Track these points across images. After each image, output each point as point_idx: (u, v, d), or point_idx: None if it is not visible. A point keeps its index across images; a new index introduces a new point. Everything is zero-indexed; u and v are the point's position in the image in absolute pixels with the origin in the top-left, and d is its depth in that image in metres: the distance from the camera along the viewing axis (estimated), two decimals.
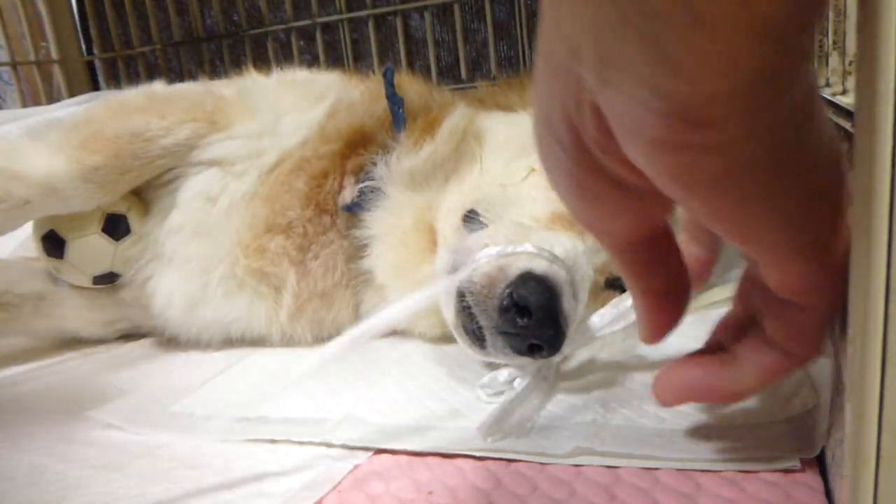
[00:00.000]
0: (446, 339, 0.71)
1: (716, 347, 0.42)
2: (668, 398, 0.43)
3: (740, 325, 0.41)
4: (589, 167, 0.34)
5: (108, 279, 0.82)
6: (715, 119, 0.28)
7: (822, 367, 0.46)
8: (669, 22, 0.26)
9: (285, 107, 0.84)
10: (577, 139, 0.33)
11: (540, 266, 0.57)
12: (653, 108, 0.28)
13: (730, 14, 0.25)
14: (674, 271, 0.41)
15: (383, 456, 0.50)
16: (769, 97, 0.28)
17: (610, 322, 0.58)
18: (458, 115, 0.77)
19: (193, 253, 0.79)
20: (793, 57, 0.27)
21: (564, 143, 0.34)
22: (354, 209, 0.76)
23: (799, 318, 0.37)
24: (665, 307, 0.41)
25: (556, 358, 0.57)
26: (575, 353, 0.60)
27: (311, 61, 1.55)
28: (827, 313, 0.37)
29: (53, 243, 0.79)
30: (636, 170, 0.31)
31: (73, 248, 0.79)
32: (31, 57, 1.72)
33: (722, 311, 0.45)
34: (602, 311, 0.59)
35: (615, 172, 0.33)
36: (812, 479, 0.41)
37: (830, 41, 0.55)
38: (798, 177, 0.31)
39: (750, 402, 0.50)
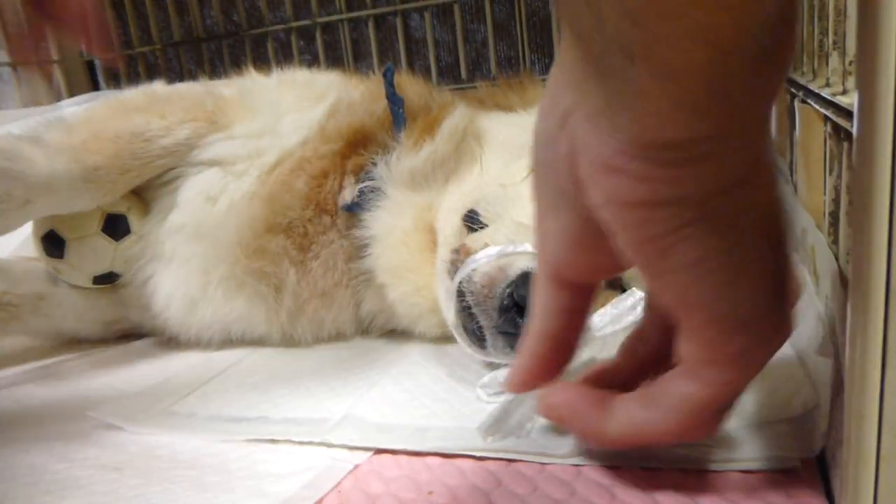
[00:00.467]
0: (446, 339, 0.71)
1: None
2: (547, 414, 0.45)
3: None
4: (558, 195, 0.36)
5: (108, 279, 0.82)
6: (670, 160, 0.29)
7: (822, 367, 0.46)
8: (618, 80, 0.28)
9: (285, 107, 0.84)
10: (556, 168, 0.35)
11: None
12: (617, 141, 0.30)
13: (661, 79, 0.27)
14: (576, 332, 0.43)
15: (383, 456, 0.50)
16: (716, 159, 0.29)
17: (610, 322, 0.58)
18: (458, 116, 0.77)
19: (193, 253, 0.79)
20: (735, 127, 0.29)
21: (548, 167, 0.36)
22: (354, 209, 0.76)
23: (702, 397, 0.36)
24: (551, 359, 0.43)
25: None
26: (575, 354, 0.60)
27: (311, 61, 1.55)
28: (731, 394, 0.36)
29: (53, 243, 0.79)
30: (585, 198, 0.33)
31: (73, 248, 0.79)
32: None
33: None
34: (602, 310, 0.59)
35: (574, 198, 0.35)
36: (812, 479, 0.41)
37: (830, 41, 0.55)
38: (735, 246, 0.32)
39: (750, 403, 0.50)
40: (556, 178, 0.35)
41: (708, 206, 0.30)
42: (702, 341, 0.34)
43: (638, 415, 0.38)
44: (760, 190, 0.32)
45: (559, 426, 0.50)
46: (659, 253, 0.32)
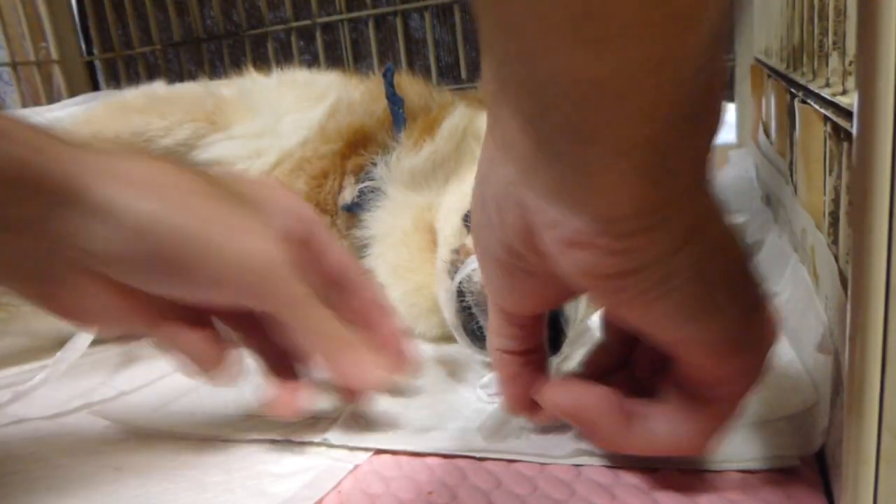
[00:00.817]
0: (446, 339, 0.71)
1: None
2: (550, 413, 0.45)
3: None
4: (510, 254, 0.37)
5: None
6: (628, 230, 0.31)
7: (822, 366, 0.46)
8: (571, 162, 0.29)
9: (285, 107, 0.84)
10: (503, 231, 0.36)
11: None
12: (576, 219, 0.31)
13: (615, 156, 0.28)
14: (538, 342, 0.45)
15: (383, 456, 0.50)
16: (669, 225, 0.31)
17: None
18: (458, 116, 0.77)
19: None
20: (680, 191, 0.30)
21: (494, 226, 0.37)
22: (354, 209, 0.76)
23: (700, 413, 0.38)
24: (526, 375, 0.44)
25: (557, 358, 0.57)
26: (574, 353, 0.60)
27: (311, 61, 1.55)
28: (730, 409, 0.39)
29: None
30: (549, 264, 0.34)
31: None
32: (31, 57, 1.72)
33: None
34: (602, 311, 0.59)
35: (531, 262, 0.36)
36: (812, 478, 0.41)
37: (830, 41, 0.55)
38: (712, 285, 0.33)
39: (749, 402, 0.50)
40: (504, 242, 0.37)
41: (674, 262, 0.32)
42: (705, 368, 0.36)
43: (661, 430, 0.40)
44: (713, 224, 0.34)
45: (559, 425, 0.51)
46: (640, 309, 0.34)
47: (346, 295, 0.52)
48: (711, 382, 0.37)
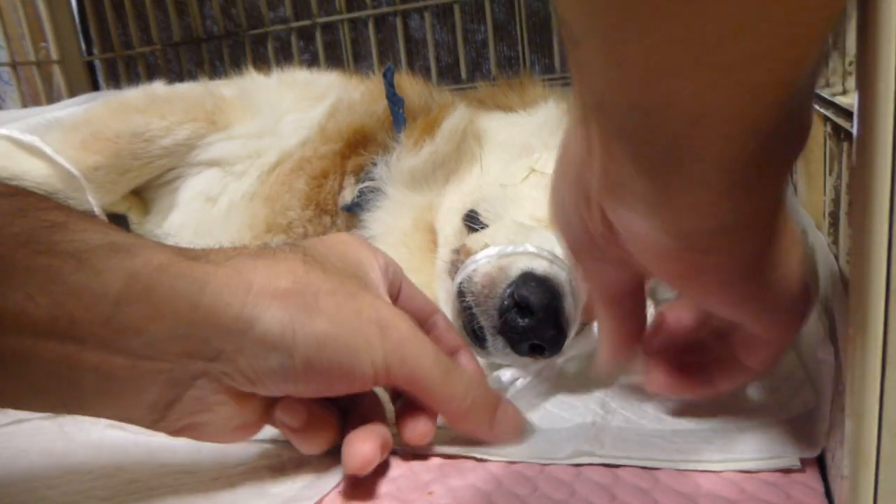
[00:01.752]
0: (453, 328, 0.71)
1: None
2: (659, 391, 0.49)
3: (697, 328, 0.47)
4: (590, 249, 0.39)
5: None
6: (710, 246, 0.32)
7: (822, 367, 0.46)
8: (670, 175, 0.29)
9: (285, 107, 0.84)
10: (586, 225, 0.37)
11: (541, 266, 0.57)
12: (660, 230, 0.32)
13: (718, 171, 0.29)
14: (640, 314, 0.47)
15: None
16: (747, 233, 0.33)
17: None
18: (458, 116, 0.77)
19: None
20: (767, 203, 0.32)
21: (574, 226, 0.38)
22: (354, 209, 0.76)
23: (767, 347, 0.43)
24: (626, 334, 0.47)
25: (559, 360, 0.57)
26: (577, 355, 0.60)
27: (311, 61, 1.55)
28: (782, 347, 0.43)
29: None
30: (631, 256, 0.36)
31: None
32: (31, 57, 1.72)
33: None
34: None
35: (612, 255, 0.38)
36: (812, 479, 0.41)
37: (830, 41, 0.55)
38: (773, 271, 0.36)
39: (750, 403, 0.50)
40: (589, 242, 0.38)
41: (749, 266, 0.34)
42: (765, 332, 0.41)
43: (736, 375, 0.46)
44: (786, 229, 0.36)
45: (560, 430, 0.51)
46: (712, 297, 0.37)
47: (427, 331, 0.54)
48: (761, 341, 0.42)
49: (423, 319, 0.55)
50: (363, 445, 0.45)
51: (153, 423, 0.44)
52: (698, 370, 0.47)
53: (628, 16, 0.24)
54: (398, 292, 0.54)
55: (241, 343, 0.42)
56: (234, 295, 0.42)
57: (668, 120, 0.27)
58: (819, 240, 0.54)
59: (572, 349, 0.59)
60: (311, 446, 0.48)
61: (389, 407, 0.52)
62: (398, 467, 0.48)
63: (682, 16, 0.23)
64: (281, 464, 0.50)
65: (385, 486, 0.46)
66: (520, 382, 0.57)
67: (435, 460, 0.48)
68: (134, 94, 0.89)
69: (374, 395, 0.52)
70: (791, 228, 0.37)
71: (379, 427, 0.48)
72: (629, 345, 0.47)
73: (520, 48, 1.43)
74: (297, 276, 0.45)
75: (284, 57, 1.56)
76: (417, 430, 0.48)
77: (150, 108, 0.82)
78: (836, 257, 0.49)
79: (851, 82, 0.48)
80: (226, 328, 0.41)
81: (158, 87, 0.93)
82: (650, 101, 0.27)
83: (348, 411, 0.49)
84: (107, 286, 0.39)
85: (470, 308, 0.59)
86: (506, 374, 0.58)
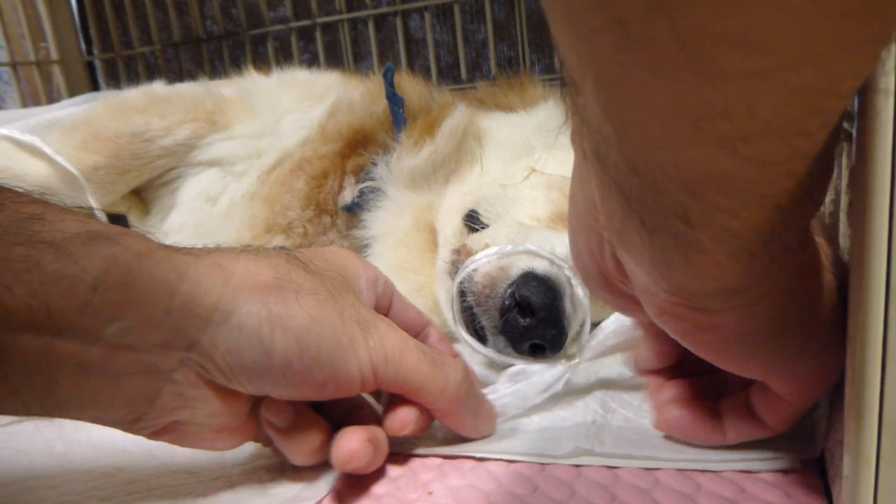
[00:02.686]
0: (447, 339, 0.71)
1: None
2: (667, 431, 0.47)
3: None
4: (605, 285, 0.37)
5: None
6: (711, 307, 0.31)
7: None
8: (669, 238, 0.28)
9: (285, 107, 0.84)
10: (600, 267, 0.36)
11: (541, 266, 0.57)
12: (660, 286, 0.31)
13: (719, 240, 0.27)
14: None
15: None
16: (753, 296, 0.31)
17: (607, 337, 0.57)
18: (458, 116, 0.77)
19: None
20: (772, 270, 0.30)
21: (589, 267, 0.37)
22: (354, 209, 0.76)
23: (788, 407, 0.40)
24: (659, 353, 0.47)
25: (567, 375, 0.56)
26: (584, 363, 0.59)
27: (311, 61, 1.55)
28: (805, 407, 0.41)
29: None
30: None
31: None
32: (31, 57, 1.72)
33: None
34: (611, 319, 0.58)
35: (628, 293, 0.36)
36: (812, 479, 0.41)
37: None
38: (791, 333, 0.34)
39: None
40: (603, 279, 0.37)
41: (755, 327, 0.33)
42: (786, 391, 0.39)
43: (747, 426, 0.43)
44: (805, 284, 0.34)
45: (560, 429, 0.51)
46: (715, 354, 0.35)
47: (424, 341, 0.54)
48: (780, 399, 0.40)
49: (416, 332, 0.54)
50: (350, 439, 0.45)
51: (133, 423, 0.43)
52: (711, 415, 0.44)
53: (627, 72, 0.22)
54: (389, 305, 0.53)
55: (217, 335, 0.41)
56: (213, 285, 0.41)
57: (666, 188, 0.25)
58: (818, 240, 0.54)
59: (588, 350, 0.57)
60: (297, 451, 0.46)
61: (379, 408, 0.52)
62: (398, 467, 0.48)
63: (682, 79, 0.21)
64: (281, 464, 0.50)
65: (385, 486, 0.46)
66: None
67: (435, 460, 0.48)
68: (134, 94, 0.89)
69: (369, 407, 0.51)
70: (824, 287, 0.34)
71: (371, 427, 0.47)
72: (663, 363, 0.46)
73: (520, 48, 1.43)
74: (278, 271, 0.44)
75: (284, 57, 1.56)
76: (398, 417, 0.47)
77: (150, 108, 0.82)
78: (836, 257, 0.49)
79: None
80: (202, 318, 0.40)
81: (158, 87, 0.93)
82: (647, 165, 0.25)
83: (342, 424, 0.47)
84: (85, 272, 0.38)
85: (471, 308, 0.59)
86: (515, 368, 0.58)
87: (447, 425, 0.49)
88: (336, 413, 0.48)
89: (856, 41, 0.20)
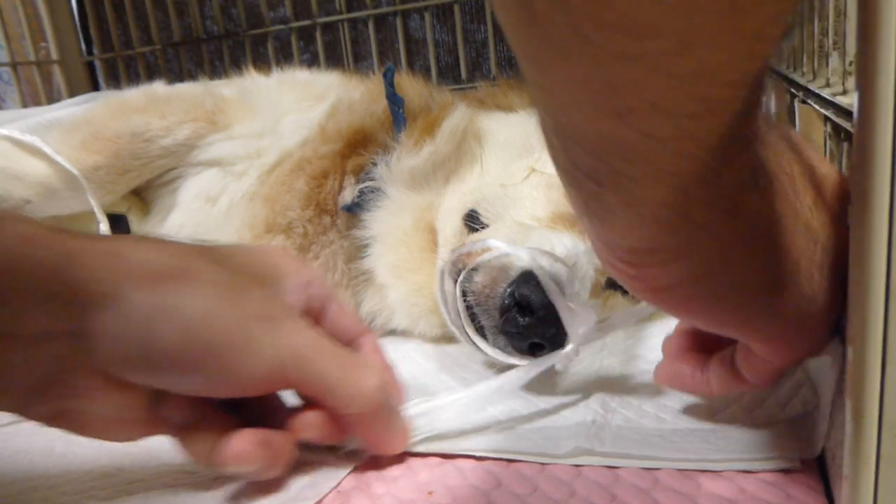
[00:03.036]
0: (446, 339, 0.71)
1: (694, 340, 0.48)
2: (662, 382, 0.50)
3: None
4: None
5: None
6: (636, 262, 0.32)
7: (822, 367, 0.46)
8: (588, 197, 0.30)
9: (285, 107, 0.84)
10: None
11: (541, 265, 0.57)
12: (595, 242, 0.33)
13: (626, 204, 0.29)
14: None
15: (383, 456, 0.50)
16: (676, 255, 0.32)
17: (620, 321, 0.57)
18: (458, 116, 0.77)
19: None
20: (694, 234, 0.31)
21: None
22: (354, 209, 0.76)
23: (765, 364, 0.41)
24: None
25: (575, 355, 0.55)
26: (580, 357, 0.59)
27: (311, 61, 1.55)
28: (785, 367, 0.42)
29: None
30: None
31: None
32: (31, 57, 1.72)
33: None
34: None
35: None
36: (812, 479, 0.41)
37: (830, 41, 0.55)
38: (746, 292, 0.35)
39: (750, 403, 0.50)
40: None
41: (701, 283, 0.33)
42: (760, 349, 0.40)
43: (728, 377, 0.44)
44: (751, 242, 0.34)
45: (560, 428, 0.51)
46: (680, 311, 0.37)
47: (355, 350, 0.53)
48: (759, 357, 0.41)
49: (349, 339, 0.52)
50: (239, 441, 0.43)
51: (24, 409, 0.42)
52: (701, 367, 0.46)
53: (538, 49, 0.24)
54: (322, 310, 0.51)
55: (105, 322, 0.39)
56: (103, 270, 0.40)
57: (583, 150, 0.27)
58: None
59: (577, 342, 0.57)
60: (193, 451, 0.44)
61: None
62: (397, 467, 0.48)
63: (578, 59, 0.23)
64: None
65: (385, 486, 0.46)
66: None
67: (435, 460, 0.48)
68: (134, 94, 0.88)
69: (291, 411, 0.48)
70: (790, 247, 0.34)
71: (271, 430, 0.44)
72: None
73: None
74: (177, 261, 0.42)
75: (284, 57, 1.56)
76: (301, 419, 0.45)
77: (150, 108, 0.82)
78: None
79: (851, 82, 0.48)
80: (91, 304, 0.39)
81: (158, 87, 0.93)
82: (562, 128, 0.28)
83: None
84: None
85: (471, 307, 0.59)
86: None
87: (360, 436, 0.47)
88: (253, 416, 0.46)
89: (733, 35, 0.22)
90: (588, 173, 0.28)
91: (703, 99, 0.24)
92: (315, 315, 0.50)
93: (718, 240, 0.32)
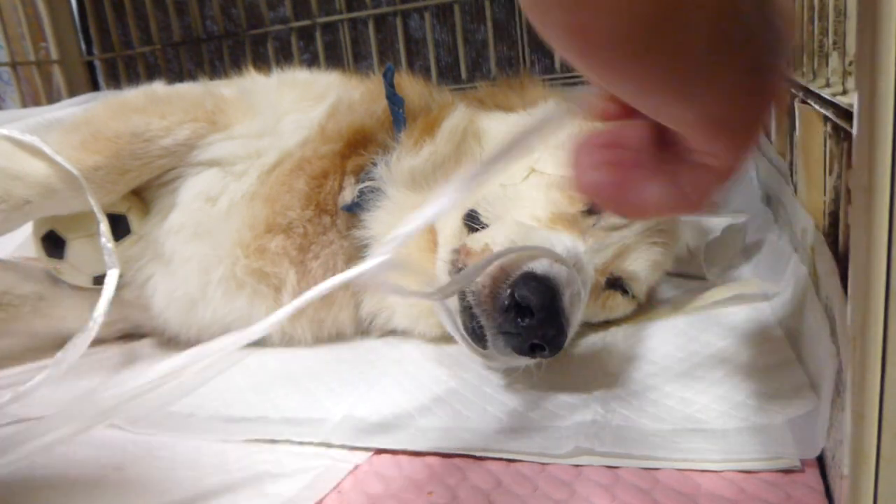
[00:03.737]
0: (446, 339, 0.71)
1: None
2: (582, 193, 0.42)
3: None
4: None
5: None
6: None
7: (822, 367, 0.46)
8: None
9: (285, 107, 0.84)
10: None
11: (541, 266, 0.57)
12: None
13: None
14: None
15: (383, 456, 0.50)
16: None
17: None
18: (458, 116, 0.77)
19: (193, 253, 0.79)
20: None
21: None
22: (354, 209, 0.76)
23: (708, 173, 0.37)
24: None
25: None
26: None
27: (311, 61, 1.55)
28: (728, 176, 0.37)
29: (53, 243, 0.79)
30: None
31: (73, 249, 0.79)
32: (31, 57, 1.73)
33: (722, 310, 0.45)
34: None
35: None
36: (812, 479, 0.41)
37: (830, 41, 0.55)
38: (685, 45, 0.31)
39: (750, 403, 0.50)
40: None
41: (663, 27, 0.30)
42: (699, 141, 0.36)
43: (668, 194, 0.39)
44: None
45: (560, 428, 0.51)
46: (627, 87, 0.34)
47: None
48: (708, 153, 0.37)
49: None
50: None
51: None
52: (628, 180, 0.40)
53: None
54: None
55: None
56: None
57: None
58: (819, 240, 0.54)
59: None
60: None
61: None
62: (397, 467, 0.48)
63: None
64: (281, 464, 0.50)
65: (385, 486, 0.46)
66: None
67: (435, 460, 0.48)
68: (134, 94, 0.88)
69: None
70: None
71: None
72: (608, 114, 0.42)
73: (520, 48, 1.43)
74: None
75: (284, 57, 1.56)
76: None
77: (150, 108, 0.82)
78: (837, 257, 0.49)
79: (851, 82, 0.48)
80: None
81: (158, 87, 0.92)
82: None
83: None
84: None
85: (471, 308, 0.59)
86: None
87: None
88: None
89: None
90: None
91: None
92: None
93: None
